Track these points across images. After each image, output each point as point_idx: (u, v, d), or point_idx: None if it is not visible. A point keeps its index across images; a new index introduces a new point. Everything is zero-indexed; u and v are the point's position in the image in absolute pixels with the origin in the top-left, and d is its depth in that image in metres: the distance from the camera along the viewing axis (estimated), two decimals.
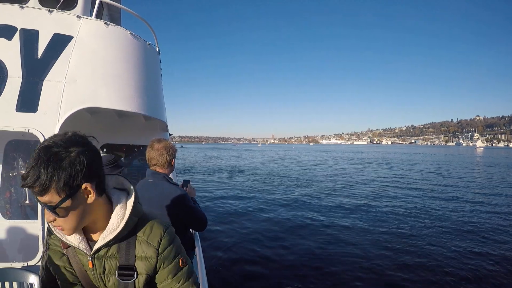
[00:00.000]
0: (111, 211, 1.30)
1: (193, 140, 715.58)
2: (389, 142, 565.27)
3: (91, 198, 1.16)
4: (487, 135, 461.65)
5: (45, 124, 3.28)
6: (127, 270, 1.32)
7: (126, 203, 1.33)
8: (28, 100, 3.38)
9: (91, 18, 4.18)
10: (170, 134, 7.04)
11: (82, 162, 1.07)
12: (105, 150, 5.47)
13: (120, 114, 5.21)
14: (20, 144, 4.44)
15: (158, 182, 2.80)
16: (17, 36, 3.66)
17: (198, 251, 3.26)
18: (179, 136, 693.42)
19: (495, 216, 12.50)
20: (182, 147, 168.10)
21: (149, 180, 2.85)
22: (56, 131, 3.28)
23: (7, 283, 2.33)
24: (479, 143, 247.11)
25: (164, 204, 2.67)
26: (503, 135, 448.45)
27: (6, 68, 3.47)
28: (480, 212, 13.29)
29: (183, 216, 2.75)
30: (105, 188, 1.30)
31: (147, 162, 2.94)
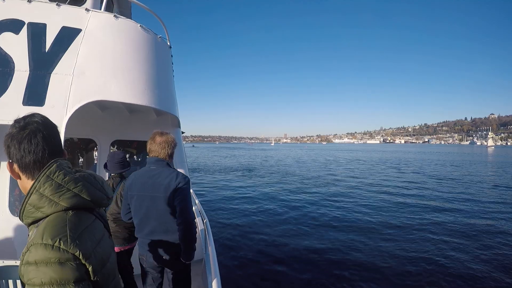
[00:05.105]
0: None
1: (205, 139, 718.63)
2: (402, 141, 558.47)
3: (13, 174, 1.24)
4: (502, 134, 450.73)
5: (53, 118, 3.16)
6: None
7: None
8: (35, 94, 3.31)
9: (100, 11, 4.09)
10: (182, 132, 6.94)
11: (6, 143, 1.20)
12: (115, 146, 5.39)
13: (131, 109, 5.13)
14: None
15: (161, 168, 2.87)
16: (24, 30, 3.60)
17: (211, 249, 3.14)
18: (191, 136, 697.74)
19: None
20: (193, 146, 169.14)
21: (151, 167, 2.88)
22: (64, 125, 3.21)
23: (10, 282, 2.24)
24: (490, 142, 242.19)
25: (161, 190, 2.75)
26: None
27: (13, 62, 3.40)
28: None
29: (177, 205, 2.76)
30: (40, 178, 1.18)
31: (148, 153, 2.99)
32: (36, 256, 1.03)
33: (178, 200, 2.76)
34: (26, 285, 1.05)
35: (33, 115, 1.27)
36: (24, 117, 1.25)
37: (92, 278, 1.11)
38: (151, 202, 2.79)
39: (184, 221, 2.74)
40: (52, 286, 1.01)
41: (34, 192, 1.15)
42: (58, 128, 1.33)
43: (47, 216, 1.14)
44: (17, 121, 1.23)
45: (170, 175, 2.81)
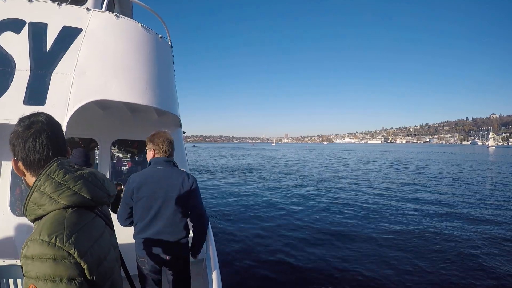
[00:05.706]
0: None
1: (206, 139, 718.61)
2: (404, 141, 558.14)
3: (18, 171, 1.28)
4: (503, 134, 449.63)
5: (53, 117, 3.19)
6: None
7: None
8: (36, 93, 3.31)
9: (100, 10, 4.09)
10: (184, 132, 6.93)
11: (12, 141, 1.24)
12: (116, 146, 5.39)
13: (132, 109, 5.12)
14: None
15: (169, 169, 2.90)
16: (25, 29, 3.60)
17: (212, 249, 3.13)
18: (193, 136, 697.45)
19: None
20: (195, 146, 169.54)
21: (158, 168, 2.89)
22: (65, 125, 3.21)
23: (11, 281, 2.23)
24: (491, 142, 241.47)
25: (174, 191, 2.80)
26: None
27: (14, 61, 3.41)
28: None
29: (192, 204, 2.88)
30: (41, 176, 1.21)
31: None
32: (33, 251, 1.06)
33: (194, 201, 2.85)
34: (24, 277, 1.09)
35: (38, 114, 1.30)
36: (29, 116, 1.28)
37: (88, 277, 1.12)
38: (162, 202, 2.79)
39: (203, 222, 2.89)
40: (46, 281, 1.04)
41: (35, 190, 1.18)
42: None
43: (48, 213, 1.17)
44: (22, 119, 1.26)
45: (181, 176, 2.86)
